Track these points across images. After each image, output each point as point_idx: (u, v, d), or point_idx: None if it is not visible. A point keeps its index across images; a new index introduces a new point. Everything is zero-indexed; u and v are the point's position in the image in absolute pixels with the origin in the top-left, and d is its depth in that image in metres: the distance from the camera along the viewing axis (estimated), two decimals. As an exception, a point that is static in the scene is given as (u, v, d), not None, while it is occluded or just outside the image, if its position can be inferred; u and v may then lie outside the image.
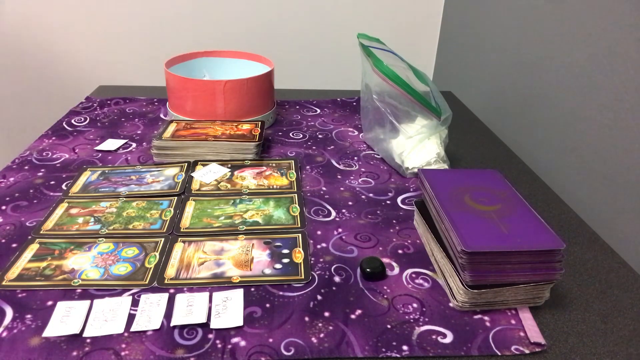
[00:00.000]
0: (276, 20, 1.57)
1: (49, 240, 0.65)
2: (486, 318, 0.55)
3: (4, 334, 0.51)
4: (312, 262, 0.63)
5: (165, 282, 0.59)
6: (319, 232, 0.69)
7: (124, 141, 0.95)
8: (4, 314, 0.53)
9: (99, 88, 1.26)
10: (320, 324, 0.53)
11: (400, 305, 0.57)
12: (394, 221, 0.73)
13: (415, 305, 0.57)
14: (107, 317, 0.53)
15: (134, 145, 0.94)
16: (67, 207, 0.73)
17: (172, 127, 0.92)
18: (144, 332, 0.52)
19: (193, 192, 0.78)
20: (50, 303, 0.55)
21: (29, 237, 0.66)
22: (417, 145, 0.85)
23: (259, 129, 0.93)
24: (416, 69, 0.91)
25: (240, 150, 0.88)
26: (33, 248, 0.64)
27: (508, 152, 0.99)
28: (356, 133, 1.04)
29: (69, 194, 0.76)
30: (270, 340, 0.51)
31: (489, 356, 0.51)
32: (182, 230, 0.68)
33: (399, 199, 0.79)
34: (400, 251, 0.66)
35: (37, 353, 0.49)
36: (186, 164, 0.86)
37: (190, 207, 0.74)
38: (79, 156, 0.89)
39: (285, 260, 0.63)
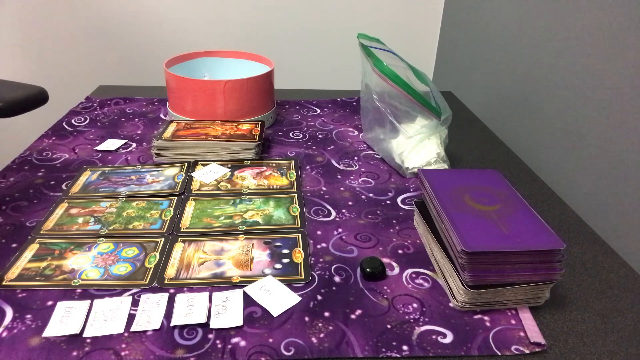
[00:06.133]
0: (276, 20, 1.57)
1: (49, 240, 0.65)
2: (486, 318, 0.55)
3: (4, 334, 0.51)
4: (312, 262, 0.63)
5: (165, 282, 0.59)
6: (319, 232, 0.69)
7: (124, 141, 0.95)
8: (4, 314, 0.53)
9: (99, 88, 1.26)
10: (320, 324, 0.53)
11: (400, 305, 0.57)
12: (394, 221, 0.73)
13: (415, 305, 0.57)
14: (107, 317, 0.53)
15: (134, 145, 0.94)
16: (67, 207, 0.73)
17: (172, 127, 0.92)
18: (144, 332, 0.52)
19: (193, 192, 0.78)
20: (50, 303, 0.55)
21: (29, 237, 0.66)
22: (417, 145, 0.85)
23: (259, 129, 0.93)
24: (416, 69, 0.91)
25: (240, 150, 0.88)
26: (33, 248, 0.64)
27: (508, 152, 0.99)
28: (356, 133, 1.04)
29: (69, 194, 0.76)
30: (270, 340, 0.51)
31: (489, 356, 0.51)
32: (182, 230, 0.68)
33: (399, 199, 0.79)
34: (400, 251, 0.66)
35: (37, 353, 0.49)
36: (186, 164, 0.86)
37: (190, 207, 0.74)
38: (79, 156, 0.89)
39: (285, 260, 0.63)
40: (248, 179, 0.82)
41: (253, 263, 0.62)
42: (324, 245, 0.67)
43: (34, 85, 0.77)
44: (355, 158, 0.93)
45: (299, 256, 0.64)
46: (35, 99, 0.74)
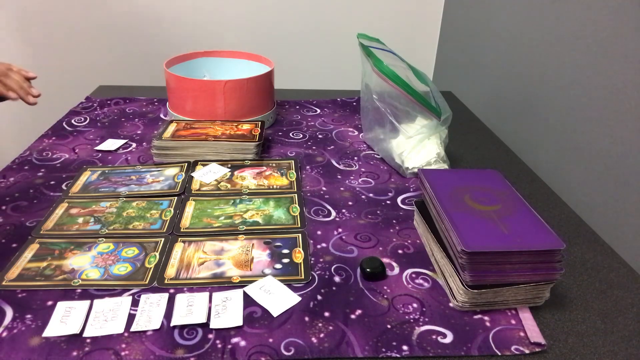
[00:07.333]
0: (276, 20, 1.57)
1: (49, 240, 0.65)
2: (486, 318, 0.55)
3: (4, 334, 0.51)
4: (312, 262, 0.63)
5: (165, 282, 0.59)
6: (319, 232, 0.69)
7: (124, 141, 0.95)
8: (4, 314, 0.53)
9: (99, 88, 1.26)
10: (320, 324, 0.53)
11: (400, 305, 0.57)
12: (394, 221, 0.73)
13: (415, 305, 0.57)
14: (107, 317, 0.53)
15: (134, 145, 0.94)
16: (67, 207, 0.73)
17: (172, 127, 0.92)
18: (144, 332, 0.52)
19: (193, 192, 0.78)
20: (50, 303, 0.55)
21: (29, 237, 0.66)
22: (417, 145, 0.85)
23: (259, 129, 0.93)
24: (416, 69, 0.91)
25: (240, 150, 0.88)
26: (33, 248, 0.64)
27: (508, 152, 0.99)
28: (356, 133, 1.04)
29: (69, 194, 0.76)
30: (270, 340, 0.51)
31: (489, 356, 0.51)
32: (182, 230, 0.68)
33: (399, 199, 0.79)
34: (400, 251, 0.66)
35: (37, 353, 0.49)
36: (186, 164, 0.86)
37: (190, 207, 0.74)
38: (79, 156, 0.89)
39: (285, 260, 0.63)
40: (248, 179, 0.82)
41: (253, 263, 0.62)
42: (324, 245, 0.67)
43: None
44: (355, 158, 0.93)
45: (299, 256, 0.64)
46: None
